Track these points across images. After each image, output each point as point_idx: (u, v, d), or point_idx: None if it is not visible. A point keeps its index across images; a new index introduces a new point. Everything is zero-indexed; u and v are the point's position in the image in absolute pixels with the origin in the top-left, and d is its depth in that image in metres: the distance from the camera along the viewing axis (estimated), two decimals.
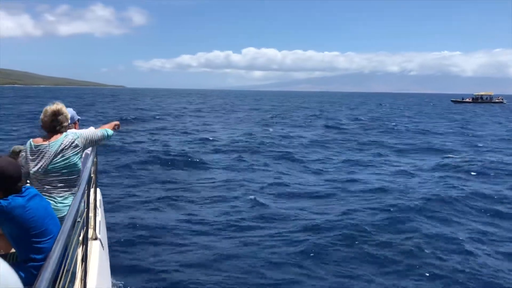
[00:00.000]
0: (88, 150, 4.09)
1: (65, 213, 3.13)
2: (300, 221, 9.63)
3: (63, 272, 2.49)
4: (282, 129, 32.11)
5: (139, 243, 8.30)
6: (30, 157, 3.55)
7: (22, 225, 2.82)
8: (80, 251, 3.11)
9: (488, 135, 30.98)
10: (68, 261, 2.66)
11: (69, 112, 3.91)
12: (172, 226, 9.19)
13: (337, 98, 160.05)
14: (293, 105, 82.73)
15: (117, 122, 4.44)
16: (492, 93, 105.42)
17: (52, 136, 3.65)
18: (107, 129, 4.14)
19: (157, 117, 40.99)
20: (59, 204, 3.54)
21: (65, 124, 3.74)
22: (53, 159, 3.54)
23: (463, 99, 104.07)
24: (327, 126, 35.30)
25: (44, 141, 3.62)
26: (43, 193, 3.52)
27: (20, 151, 4.11)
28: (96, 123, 4.65)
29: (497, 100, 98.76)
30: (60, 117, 3.68)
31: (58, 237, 1.92)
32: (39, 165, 3.53)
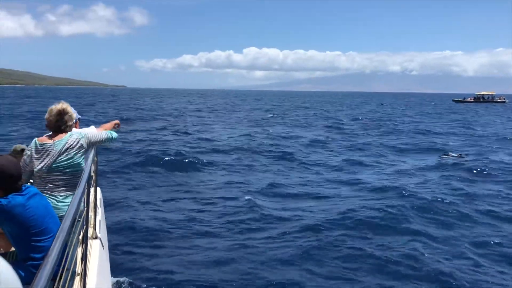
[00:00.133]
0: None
1: (66, 212, 3.14)
2: (299, 221, 9.61)
3: (63, 271, 2.50)
4: (282, 129, 32.12)
5: (139, 243, 8.32)
6: (35, 156, 3.59)
7: (22, 224, 2.83)
8: (80, 250, 3.11)
9: (490, 135, 30.94)
10: (68, 260, 2.67)
11: None
12: (172, 226, 9.21)
13: (338, 98, 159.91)
14: (294, 105, 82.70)
15: (117, 121, 4.46)
16: (494, 92, 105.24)
17: (57, 135, 3.69)
18: (111, 132, 4.16)
19: (157, 117, 41.02)
20: (60, 203, 3.56)
21: (70, 123, 3.78)
22: (57, 157, 3.58)
23: (464, 98, 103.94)
24: (327, 126, 35.30)
25: (49, 140, 3.65)
26: (45, 192, 3.55)
27: (22, 149, 4.13)
28: (97, 123, 4.66)
29: (499, 100, 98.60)
30: (65, 117, 3.72)
31: (57, 236, 1.92)
32: (43, 163, 3.56)
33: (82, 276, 2.95)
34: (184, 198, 11.61)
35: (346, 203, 11.20)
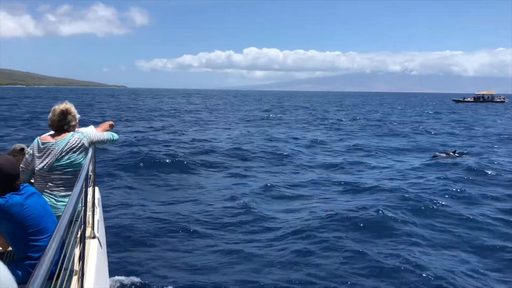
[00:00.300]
0: None
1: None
2: (295, 223, 9.52)
3: (60, 270, 2.50)
4: (280, 129, 32.01)
5: (137, 243, 8.33)
6: (37, 154, 3.62)
7: (20, 223, 2.83)
8: (77, 250, 3.11)
9: (489, 134, 30.93)
10: (66, 259, 2.67)
11: None
12: (169, 227, 9.19)
13: (338, 98, 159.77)
14: (293, 105, 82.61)
15: (111, 122, 4.46)
16: (494, 92, 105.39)
17: (59, 134, 3.72)
18: (113, 133, 4.18)
19: (156, 117, 40.97)
20: (59, 203, 3.58)
21: (73, 123, 3.81)
22: (59, 157, 3.59)
23: (464, 98, 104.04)
24: (326, 126, 35.26)
25: (51, 139, 3.67)
26: (45, 190, 3.57)
27: (21, 149, 4.14)
28: (96, 124, 4.67)
29: (498, 100, 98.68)
30: (68, 117, 3.75)
31: (53, 235, 1.91)
32: (44, 162, 3.59)
33: (80, 276, 2.95)
34: (181, 199, 11.58)
35: (343, 204, 11.10)
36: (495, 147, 23.65)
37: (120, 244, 8.12)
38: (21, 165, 3.58)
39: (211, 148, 20.44)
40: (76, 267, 3.01)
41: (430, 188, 13.02)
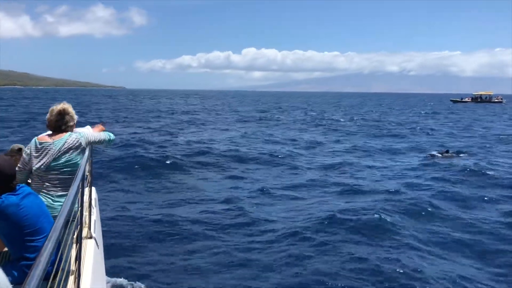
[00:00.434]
0: None
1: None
2: (290, 225, 9.52)
3: (57, 270, 2.50)
4: (277, 130, 31.99)
5: (134, 243, 8.35)
6: (34, 154, 3.62)
7: (16, 224, 2.83)
8: (74, 250, 3.11)
9: (486, 134, 31.01)
10: (63, 260, 2.67)
11: None
12: (166, 228, 9.20)
13: (337, 99, 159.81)
14: (291, 106, 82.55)
15: (101, 127, 4.39)
16: (491, 92, 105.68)
17: (56, 134, 3.72)
18: (110, 133, 4.18)
19: (153, 119, 40.84)
20: (55, 203, 3.58)
21: (71, 124, 3.82)
22: (56, 156, 3.60)
23: (462, 99, 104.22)
24: (324, 127, 35.17)
25: (48, 139, 3.68)
26: (42, 190, 3.57)
27: (19, 149, 4.14)
28: (93, 125, 4.67)
29: (496, 100, 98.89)
30: (66, 117, 3.76)
31: (49, 235, 1.91)
32: (41, 162, 3.59)
33: (77, 276, 2.95)
34: (178, 201, 11.54)
35: (340, 206, 11.07)
36: (491, 148, 23.71)
37: (116, 245, 8.12)
38: (18, 165, 3.58)
39: (208, 149, 20.34)
40: (73, 267, 3.01)
41: (425, 189, 13.03)
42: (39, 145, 3.65)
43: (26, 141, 3.78)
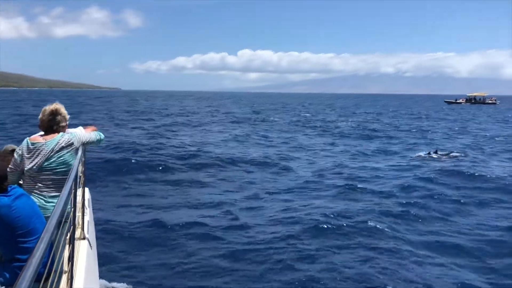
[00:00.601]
0: None
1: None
2: (279, 228, 9.45)
3: (49, 271, 2.49)
4: (272, 133, 31.65)
5: (128, 244, 8.33)
6: (26, 155, 3.60)
7: (8, 225, 2.82)
8: (67, 251, 3.10)
9: (479, 135, 31.16)
10: (55, 261, 2.66)
11: None
12: (158, 231, 9.16)
13: (332, 100, 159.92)
14: (286, 107, 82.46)
15: (93, 128, 4.42)
16: (485, 94, 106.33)
17: (48, 135, 3.71)
18: (100, 133, 4.19)
19: (147, 120, 40.57)
20: (48, 203, 3.56)
21: (63, 124, 3.81)
22: (48, 157, 3.58)
23: (456, 100, 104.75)
24: (317, 129, 34.93)
25: (40, 139, 3.67)
26: (34, 191, 3.55)
27: (12, 150, 4.13)
28: (85, 125, 4.66)
29: (490, 101, 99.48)
30: (58, 117, 3.75)
31: (41, 236, 1.91)
32: (34, 163, 3.57)
33: (69, 277, 2.94)
34: (170, 204, 11.43)
35: (331, 209, 10.89)
36: (483, 149, 23.80)
37: (111, 246, 8.11)
38: (9, 166, 3.57)
39: (201, 152, 20.01)
40: (66, 268, 3.00)
41: (415, 191, 12.96)
42: (31, 145, 3.64)
43: (19, 143, 3.77)
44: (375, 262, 7.72)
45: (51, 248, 2.64)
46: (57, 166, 3.63)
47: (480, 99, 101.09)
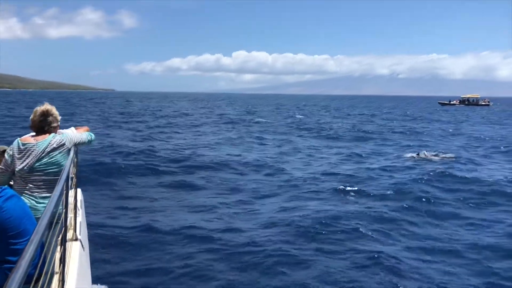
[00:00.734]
0: None
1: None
2: (266, 233, 9.35)
3: (40, 273, 2.47)
4: (264, 134, 31.63)
5: (121, 246, 8.29)
6: (17, 156, 3.58)
7: None
8: (58, 252, 3.09)
9: (471, 137, 31.33)
10: (46, 262, 2.64)
11: None
12: (152, 232, 9.13)
13: (327, 101, 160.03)
14: (281, 109, 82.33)
15: (86, 128, 4.43)
16: (478, 95, 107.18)
17: (40, 135, 3.70)
18: (91, 133, 4.20)
19: (140, 121, 40.37)
20: (39, 204, 3.54)
21: (54, 125, 3.81)
22: (39, 158, 3.57)
23: (450, 101, 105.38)
24: (310, 132, 34.55)
25: (31, 140, 3.65)
26: (25, 192, 3.53)
27: (3, 150, 4.11)
28: (76, 126, 4.65)
29: (483, 103, 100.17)
30: (49, 118, 3.74)
31: (31, 237, 1.89)
32: (25, 163, 3.56)
33: (61, 279, 2.92)
34: (164, 207, 11.36)
35: (319, 213, 10.75)
36: (477, 150, 23.93)
37: (103, 247, 8.08)
38: (0, 167, 3.55)
39: (193, 155, 19.80)
40: (57, 269, 2.98)
41: (408, 193, 12.92)
42: (22, 146, 3.62)
43: (10, 144, 3.74)
44: (368, 266, 7.70)
45: (42, 250, 2.62)
46: (49, 166, 3.62)
47: (473, 100, 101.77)
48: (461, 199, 12.49)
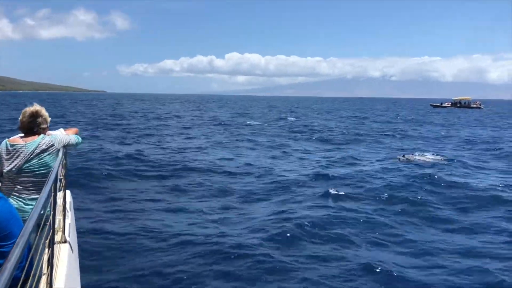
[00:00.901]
0: None
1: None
2: (250, 237, 9.30)
3: (27, 275, 2.45)
4: (257, 136, 31.48)
5: (111, 248, 8.24)
6: (5, 157, 3.56)
7: None
8: (46, 254, 3.06)
9: (461, 139, 31.53)
10: (34, 264, 2.62)
11: None
12: (143, 236, 9.09)
13: (320, 104, 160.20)
14: (273, 111, 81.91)
15: (75, 130, 4.43)
16: (470, 98, 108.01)
17: (29, 136, 3.68)
18: (78, 137, 4.19)
19: (130, 125, 39.98)
20: (27, 206, 3.52)
21: (44, 126, 3.79)
22: (28, 159, 3.55)
23: (442, 103, 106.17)
24: (303, 135, 34.30)
25: (20, 141, 3.63)
26: (13, 193, 3.51)
27: None
28: (65, 127, 4.64)
29: (474, 105, 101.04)
30: (38, 119, 3.72)
31: (18, 240, 1.88)
32: (13, 164, 3.53)
33: (48, 281, 2.90)
34: (153, 210, 11.26)
35: (306, 218, 10.55)
36: (468, 153, 24.06)
37: (93, 249, 8.04)
38: None
39: (183, 158, 19.54)
40: (45, 272, 2.96)
41: (398, 196, 12.92)
42: (10, 147, 3.60)
43: None
44: (358, 272, 7.67)
45: (29, 252, 2.60)
46: (37, 168, 3.60)
47: (465, 103, 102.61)
48: (453, 202, 12.47)
